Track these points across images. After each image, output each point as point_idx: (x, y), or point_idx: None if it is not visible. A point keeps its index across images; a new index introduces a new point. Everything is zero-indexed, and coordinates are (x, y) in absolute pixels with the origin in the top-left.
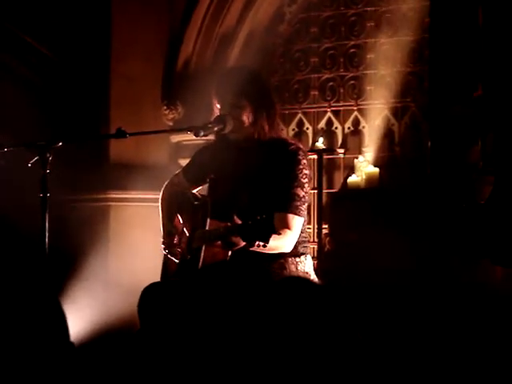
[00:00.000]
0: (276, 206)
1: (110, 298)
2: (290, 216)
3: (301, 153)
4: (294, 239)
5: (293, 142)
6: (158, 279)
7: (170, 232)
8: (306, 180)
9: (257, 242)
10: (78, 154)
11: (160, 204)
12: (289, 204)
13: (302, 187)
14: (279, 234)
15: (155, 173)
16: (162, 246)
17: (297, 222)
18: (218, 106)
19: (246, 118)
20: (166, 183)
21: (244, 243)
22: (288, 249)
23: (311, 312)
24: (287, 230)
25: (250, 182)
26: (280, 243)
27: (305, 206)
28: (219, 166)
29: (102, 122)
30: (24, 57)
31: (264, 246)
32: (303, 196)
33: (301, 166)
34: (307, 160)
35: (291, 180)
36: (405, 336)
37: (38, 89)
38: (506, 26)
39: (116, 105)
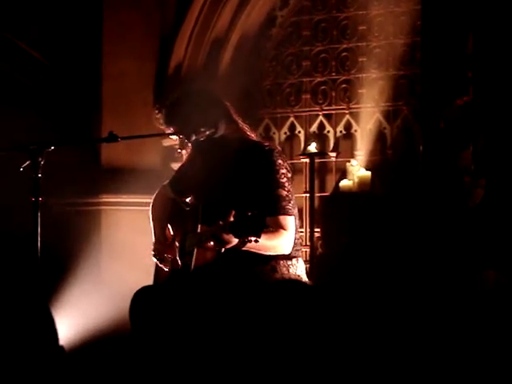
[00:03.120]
0: (264, 212)
1: (102, 301)
2: (281, 217)
3: (275, 153)
4: (290, 238)
5: (267, 143)
6: (151, 283)
7: (160, 240)
8: (285, 179)
9: (249, 238)
10: (69, 157)
11: (150, 215)
12: (275, 207)
13: (283, 187)
14: (273, 232)
15: (147, 177)
16: (152, 252)
17: (289, 221)
18: (176, 136)
19: (212, 131)
20: (154, 195)
21: (236, 240)
22: (287, 249)
23: (303, 313)
24: (282, 231)
25: (230, 187)
26: (277, 243)
27: (291, 204)
28: (201, 174)
29: (94, 125)
30: (16, 61)
31: (256, 241)
32: (286, 195)
33: (276, 167)
34: (283, 159)
35: (270, 183)
36: (397, 339)
37: (30, 93)
38: (497, 29)
39: (107, 109)
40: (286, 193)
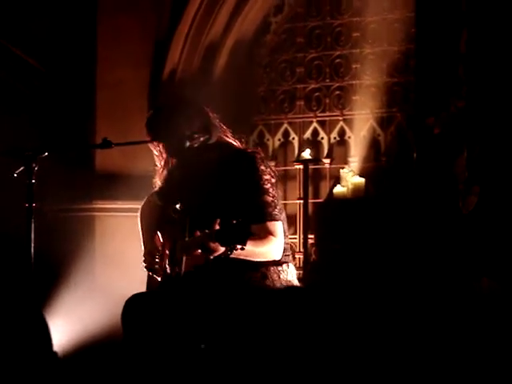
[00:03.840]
0: (251, 220)
1: (95, 307)
2: (268, 223)
3: (257, 160)
4: (280, 244)
5: (249, 150)
6: (144, 289)
7: (151, 251)
8: (269, 185)
9: (235, 246)
10: (63, 163)
11: (139, 224)
12: (262, 213)
13: (267, 193)
14: (262, 239)
15: (141, 183)
16: (143, 264)
17: (277, 227)
18: (156, 147)
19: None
20: (142, 203)
21: (223, 248)
22: (277, 255)
23: (297, 317)
24: (271, 237)
25: (213, 194)
26: (266, 249)
27: (277, 209)
28: (185, 182)
29: (88, 131)
30: (11, 67)
31: (242, 249)
32: (271, 201)
33: (259, 173)
34: (265, 165)
35: (254, 190)
36: (392, 344)
37: (25, 99)
38: (491, 35)
39: (102, 114)
40: (271, 198)
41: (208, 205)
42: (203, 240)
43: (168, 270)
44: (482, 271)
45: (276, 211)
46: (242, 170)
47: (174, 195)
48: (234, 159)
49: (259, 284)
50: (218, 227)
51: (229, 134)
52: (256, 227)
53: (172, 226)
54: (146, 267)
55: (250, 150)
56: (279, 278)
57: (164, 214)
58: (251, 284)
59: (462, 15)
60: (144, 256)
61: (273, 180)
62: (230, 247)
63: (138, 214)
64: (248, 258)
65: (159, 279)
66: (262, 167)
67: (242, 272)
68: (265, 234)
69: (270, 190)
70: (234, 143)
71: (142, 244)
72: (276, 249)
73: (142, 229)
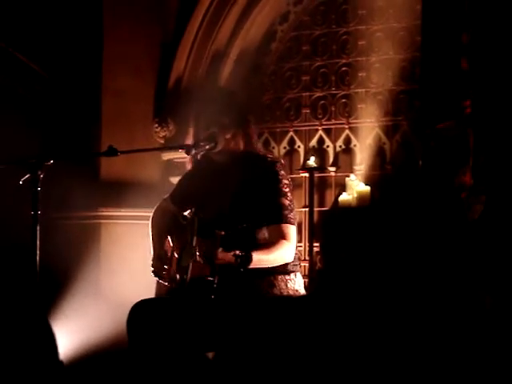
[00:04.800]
0: (266, 220)
1: (100, 315)
2: (284, 226)
3: (278, 165)
4: (292, 248)
5: (270, 155)
6: (149, 296)
7: (160, 256)
8: (287, 189)
9: (239, 252)
10: (68, 171)
11: (150, 228)
12: (278, 214)
13: (285, 196)
14: (274, 244)
15: (146, 190)
16: (151, 268)
17: (291, 231)
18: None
19: (227, 136)
20: (155, 208)
21: (229, 255)
22: (289, 258)
23: (302, 326)
24: (283, 241)
25: (232, 198)
26: (278, 255)
27: (293, 214)
28: (203, 187)
29: (93, 139)
30: (15, 74)
31: (246, 257)
32: (289, 204)
33: (280, 177)
34: (285, 171)
35: (273, 192)
36: (396, 357)
37: (30, 106)
38: (494, 45)
39: (107, 122)
40: (288, 202)
41: (222, 210)
42: (207, 246)
43: (175, 276)
44: (486, 286)
45: (292, 215)
46: (262, 173)
47: (189, 199)
48: (255, 164)
49: (266, 292)
50: (223, 233)
51: (255, 141)
52: (271, 228)
53: (182, 232)
54: (152, 272)
55: (270, 155)
56: (287, 286)
57: (175, 219)
58: (258, 292)
59: (466, 19)
60: (152, 261)
61: (290, 187)
62: (237, 256)
63: (150, 217)
64: (262, 266)
65: (166, 284)
66: (283, 172)
67: (249, 280)
68: (277, 238)
69: (288, 194)
70: (259, 150)
71: (152, 248)
72: (288, 253)
73: (152, 233)
